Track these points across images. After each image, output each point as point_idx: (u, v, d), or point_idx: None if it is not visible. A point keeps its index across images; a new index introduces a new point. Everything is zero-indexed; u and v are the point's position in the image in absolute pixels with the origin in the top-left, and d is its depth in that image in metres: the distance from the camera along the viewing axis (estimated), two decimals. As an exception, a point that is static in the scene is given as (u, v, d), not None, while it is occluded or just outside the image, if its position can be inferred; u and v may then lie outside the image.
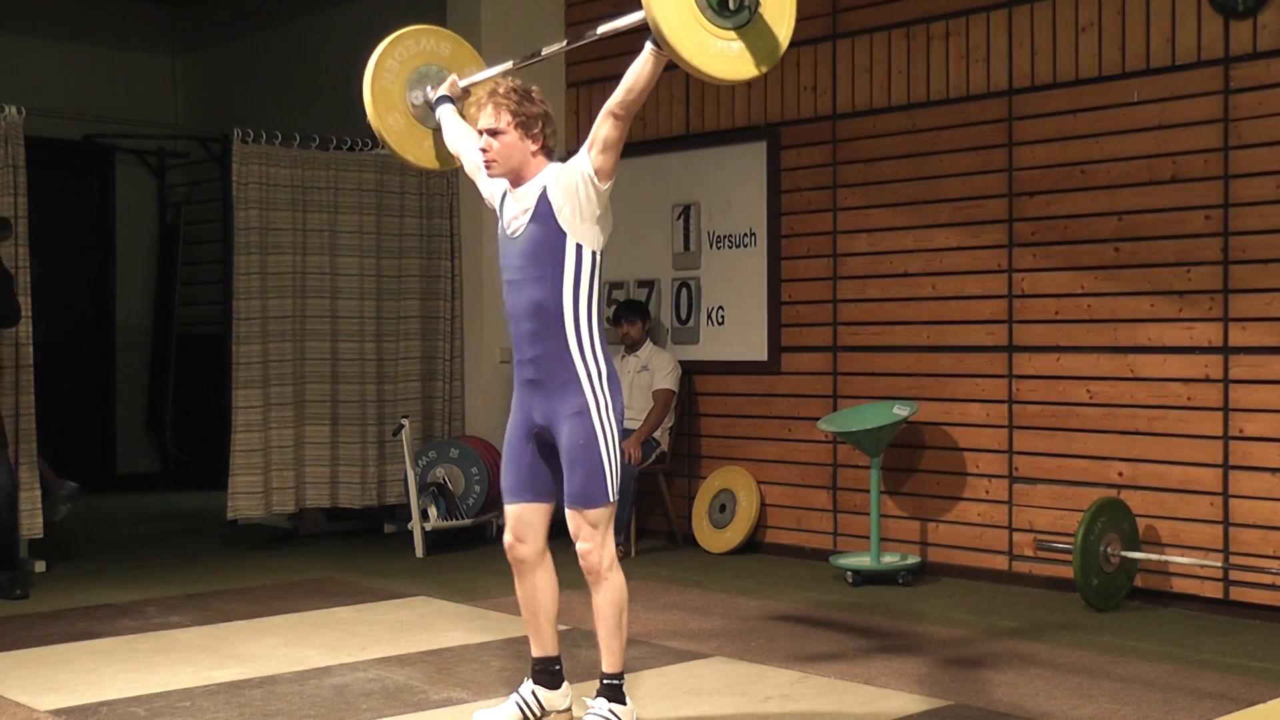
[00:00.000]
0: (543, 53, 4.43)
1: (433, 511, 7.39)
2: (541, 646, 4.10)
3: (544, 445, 4.00)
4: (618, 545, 5.74)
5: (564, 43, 4.73)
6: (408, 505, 7.49)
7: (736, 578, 6.68)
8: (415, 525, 7.37)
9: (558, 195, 3.86)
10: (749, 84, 6.85)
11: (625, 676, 3.99)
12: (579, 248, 3.87)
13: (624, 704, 3.96)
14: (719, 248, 7.57)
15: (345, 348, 7.83)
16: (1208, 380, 5.78)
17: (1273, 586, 5.59)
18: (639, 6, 3.59)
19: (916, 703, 4.38)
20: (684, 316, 7.74)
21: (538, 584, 4.06)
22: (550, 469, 4.01)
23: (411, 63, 4.55)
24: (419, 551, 7.33)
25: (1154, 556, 5.83)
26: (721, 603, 6.07)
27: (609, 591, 3.91)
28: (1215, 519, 5.75)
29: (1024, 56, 6.34)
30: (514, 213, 3.96)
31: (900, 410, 6.46)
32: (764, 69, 3.76)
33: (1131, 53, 6.00)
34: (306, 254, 7.69)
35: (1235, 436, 5.69)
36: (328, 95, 9.51)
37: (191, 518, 9.01)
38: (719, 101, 7.56)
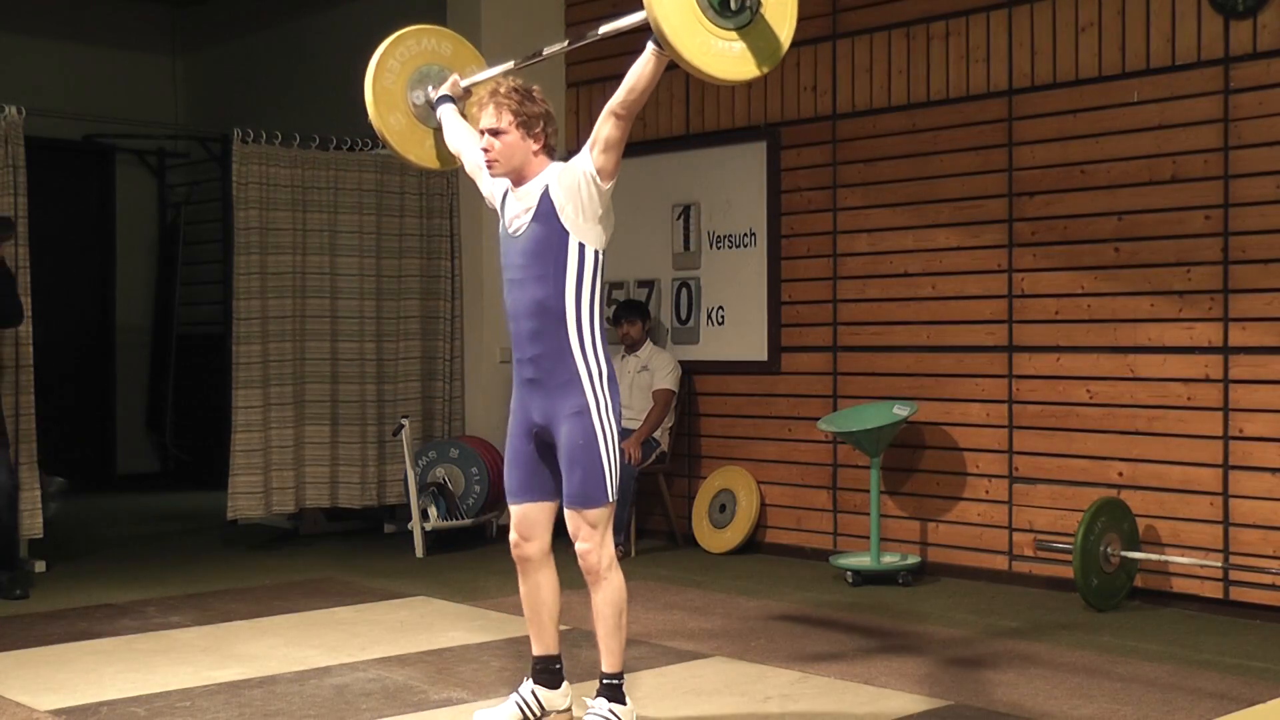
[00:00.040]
0: (544, 53, 4.43)
1: (433, 511, 7.39)
2: (543, 645, 4.11)
3: (543, 445, 4.00)
4: (617, 545, 5.73)
5: (565, 43, 4.73)
6: (408, 505, 7.49)
7: (736, 578, 6.68)
8: (415, 525, 7.37)
9: (560, 194, 3.86)
10: (749, 84, 6.84)
11: (625, 676, 4.00)
12: (581, 247, 3.87)
13: (624, 704, 3.96)
14: (719, 248, 7.57)
15: (345, 348, 7.82)
16: (1208, 380, 5.78)
17: (1273, 586, 5.59)
18: (640, 6, 3.59)
19: (916, 703, 4.38)
20: (684, 316, 7.74)
21: (541, 582, 4.07)
22: (550, 469, 4.02)
23: (413, 62, 4.55)
24: (419, 551, 7.33)
25: (1154, 556, 5.83)
26: (721, 603, 6.07)
27: (608, 591, 3.91)
28: (1215, 519, 5.75)
29: (1024, 56, 6.35)
30: (515, 212, 3.96)
31: (900, 410, 6.46)
32: (765, 69, 3.76)
33: (1131, 53, 6.00)
34: (306, 254, 7.68)
35: (1235, 436, 5.69)
36: (328, 95, 9.51)
37: (191, 518, 9.01)
38: (719, 101, 7.56)
